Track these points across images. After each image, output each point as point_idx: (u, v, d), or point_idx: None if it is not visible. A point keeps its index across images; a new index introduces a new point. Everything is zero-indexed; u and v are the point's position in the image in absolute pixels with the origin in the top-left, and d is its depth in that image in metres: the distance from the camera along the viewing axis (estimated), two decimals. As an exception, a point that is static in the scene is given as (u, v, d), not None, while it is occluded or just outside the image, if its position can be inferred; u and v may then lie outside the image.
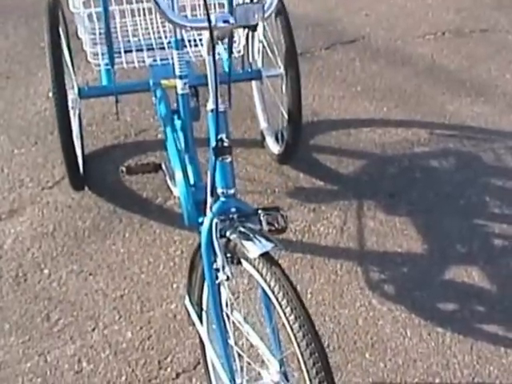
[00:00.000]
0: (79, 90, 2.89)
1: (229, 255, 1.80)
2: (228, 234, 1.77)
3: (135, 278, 2.73)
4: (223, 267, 1.79)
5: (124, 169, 2.58)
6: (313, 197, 3.18)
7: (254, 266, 1.70)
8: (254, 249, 1.66)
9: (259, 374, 1.88)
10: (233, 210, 1.82)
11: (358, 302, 2.69)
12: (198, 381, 2.38)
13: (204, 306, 2.07)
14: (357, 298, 2.71)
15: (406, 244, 2.96)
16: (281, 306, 1.61)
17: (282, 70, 3.01)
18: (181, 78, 2.49)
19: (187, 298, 2.11)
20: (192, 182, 2.45)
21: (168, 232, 2.95)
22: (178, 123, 2.62)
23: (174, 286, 2.72)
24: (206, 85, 2.90)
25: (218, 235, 1.78)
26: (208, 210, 1.87)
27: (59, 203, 3.08)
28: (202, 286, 2.01)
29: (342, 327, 2.60)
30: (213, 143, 1.80)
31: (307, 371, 1.57)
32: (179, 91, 2.52)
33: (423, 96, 3.92)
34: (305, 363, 1.58)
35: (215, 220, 1.79)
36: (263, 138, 3.40)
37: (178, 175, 2.42)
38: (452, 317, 2.66)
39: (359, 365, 2.46)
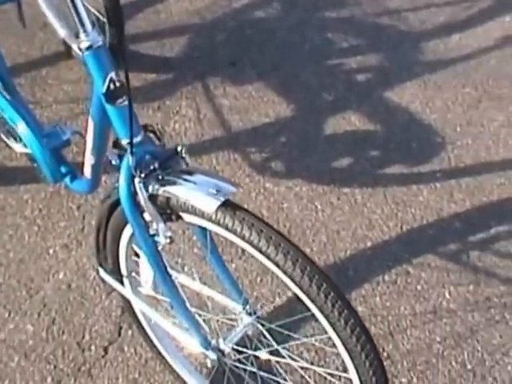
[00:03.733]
0: None
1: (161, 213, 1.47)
2: (152, 189, 1.42)
3: (4, 261, 2.26)
4: (163, 230, 1.46)
5: None
6: (151, 94, 2.79)
7: (210, 220, 1.37)
8: (207, 201, 1.33)
9: (229, 324, 1.68)
10: (147, 157, 1.45)
11: (253, 192, 2.44)
12: (131, 346, 2.05)
13: (124, 272, 1.75)
14: (247, 187, 2.44)
15: (271, 111, 2.70)
16: (268, 256, 1.33)
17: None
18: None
19: (100, 268, 1.77)
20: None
21: (14, 193, 2.45)
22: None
23: (51, 251, 2.29)
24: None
25: (145, 194, 1.42)
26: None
27: None
28: (117, 251, 1.70)
29: (249, 225, 2.34)
30: (102, 87, 1.39)
31: (320, 307, 1.34)
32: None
33: None
34: (314, 300, 1.33)
35: (137, 179, 1.41)
36: (68, 47, 2.88)
37: (22, 127, 1.94)
38: (352, 170, 2.50)
39: (285, 258, 2.25)
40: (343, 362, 1.41)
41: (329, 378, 1.88)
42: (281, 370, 1.79)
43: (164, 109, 2.71)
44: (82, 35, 1.38)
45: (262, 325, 1.64)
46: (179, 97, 2.76)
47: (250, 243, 1.34)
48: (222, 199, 1.33)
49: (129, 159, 1.42)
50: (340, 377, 1.80)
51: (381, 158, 2.53)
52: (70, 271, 2.23)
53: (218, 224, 1.37)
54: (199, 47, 2.96)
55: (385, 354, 2.01)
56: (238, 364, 1.70)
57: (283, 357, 1.69)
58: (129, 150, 1.42)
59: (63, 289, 2.19)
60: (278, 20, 3.07)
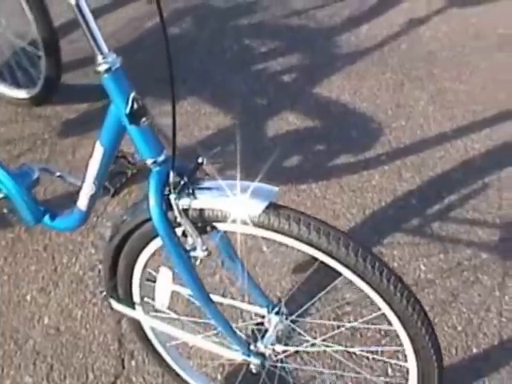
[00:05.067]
0: None
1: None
2: (184, 203, 1.41)
3: (-19, 317, 2.19)
4: (201, 244, 1.46)
5: None
6: (89, 124, 2.74)
7: (254, 224, 1.39)
8: (250, 206, 1.35)
9: (259, 329, 1.71)
10: (172, 174, 1.42)
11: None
12: (139, 376, 2.03)
13: (137, 298, 1.74)
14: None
15: (211, 123, 2.75)
16: (319, 247, 1.37)
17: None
18: None
19: (112, 301, 1.75)
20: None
21: (-30, 246, 2.37)
22: None
23: (28, 298, 2.23)
24: None
25: (181, 210, 1.42)
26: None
27: None
28: (130, 278, 1.69)
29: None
30: (124, 108, 1.39)
31: (377, 286, 1.40)
32: None
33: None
34: (370, 281, 1.39)
35: (173, 195, 1.40)
36: (-13, 90, 2.80)
37: (-5, 170, 1.89)
38: (303, 167, 2.59)
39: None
40: (388, 337, 1.50)
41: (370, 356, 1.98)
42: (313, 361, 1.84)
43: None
44: (99, 58, 1.36)
45: (292, 321, 1.68)
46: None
47: (299, 238, 1.37)
48: (267, 201, 1.34)
49: (169, 176, 1.40)
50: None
51: (327, 151, 2.63)
52: (55, 314, 2.18)
53: (262, 227, 1.39)
54: (138, 67, 2.95)
55: (382, 333, 2.13)
56: (277, 364, 1.74)
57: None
58: (168, 165, 1.41)
59: (52, 333, 2.14)
60: (194, 34, 3.12)
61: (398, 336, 1.49)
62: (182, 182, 1.42)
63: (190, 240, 1.47)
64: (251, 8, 3.26)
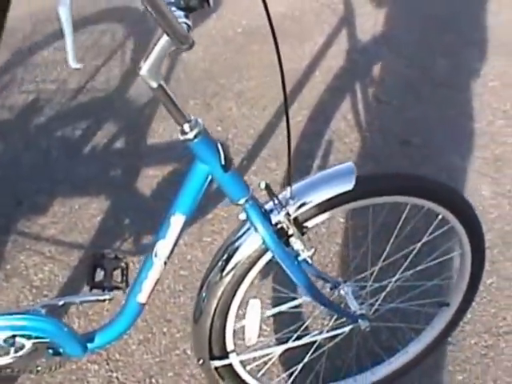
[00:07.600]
0: None
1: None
2: (282, 217, 1.56)
3: None
4: (307, 245, 1.62)
5: None
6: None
7: (347, 201, 1.60)
8: (340, 185, 1.57)
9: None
10: (260, 203, 1.58)
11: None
12: None
13: (230, 345, 1.82)
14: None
15: (95, 211, 2.84)
16: (415, 193, 1.64)
17: None
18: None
19: (214, 363, 1.82)
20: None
21: None
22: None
23: None
24: None
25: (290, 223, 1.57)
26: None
27: None
28: (224, 329, 1.77)
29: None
30: (219, 159, 1.45)
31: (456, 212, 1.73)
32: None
33: None
34: (457, 213, 1.73)
35: (283, 215, 1.55)
36: None
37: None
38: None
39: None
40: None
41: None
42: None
43: (13, 277, 2.61)
44: (186, 126, 1.39)
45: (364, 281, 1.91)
46: (15, 257, 2.68)
47: (399, 192, 1.63)
48: (354, 174, 1.56)
49: (251, 217, 1.54)
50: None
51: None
52: None
53: (356, 199, 1.59)
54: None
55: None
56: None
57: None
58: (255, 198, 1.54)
59: None
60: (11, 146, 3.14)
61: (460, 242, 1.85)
62: (276, 201, 1.55)
63: (295, 246, 1.60)
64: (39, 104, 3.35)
